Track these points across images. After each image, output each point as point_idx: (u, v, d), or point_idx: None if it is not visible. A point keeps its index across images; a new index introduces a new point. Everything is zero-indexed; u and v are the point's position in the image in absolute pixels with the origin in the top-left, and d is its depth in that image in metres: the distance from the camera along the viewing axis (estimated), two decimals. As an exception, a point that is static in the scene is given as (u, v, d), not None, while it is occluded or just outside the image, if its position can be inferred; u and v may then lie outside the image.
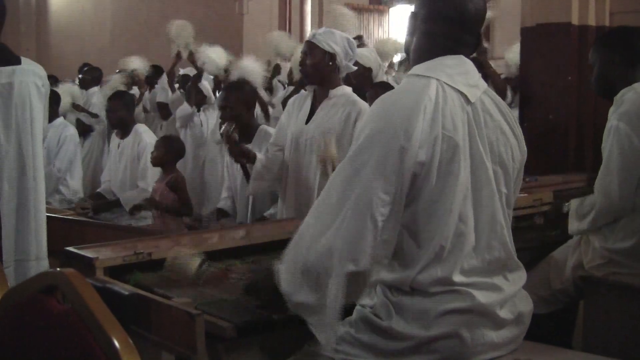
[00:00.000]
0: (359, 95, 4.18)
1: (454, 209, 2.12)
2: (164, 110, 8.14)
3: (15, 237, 3.57)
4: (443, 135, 2.11)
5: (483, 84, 2.30)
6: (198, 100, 7.55)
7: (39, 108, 3.72)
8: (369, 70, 5.45)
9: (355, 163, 2.11)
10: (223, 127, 4.03)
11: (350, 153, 2.15)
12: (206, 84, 7.86)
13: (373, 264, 2.10)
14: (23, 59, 3.72)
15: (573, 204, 3.45)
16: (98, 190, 5.99)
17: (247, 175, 4.13)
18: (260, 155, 4.02)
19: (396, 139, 2.08)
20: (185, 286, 2.60)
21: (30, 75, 3.68)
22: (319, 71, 3.96)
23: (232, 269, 2.86)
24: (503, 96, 5.52)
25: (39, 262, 3.62)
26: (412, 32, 2.33)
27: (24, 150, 3.62)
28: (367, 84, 5.33)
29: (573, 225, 3.42)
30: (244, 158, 4.01)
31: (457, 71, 2.23)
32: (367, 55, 5.54)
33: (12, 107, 3.59)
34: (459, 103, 2.18)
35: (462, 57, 2.28)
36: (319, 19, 15.22)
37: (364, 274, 2.08)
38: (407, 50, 2.39)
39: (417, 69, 2.26)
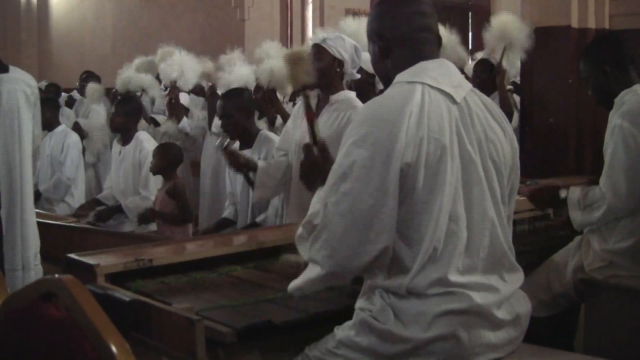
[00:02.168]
0: (363, 100, 4.18)
1: (444, 209, 2.14)
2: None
3: (4, 248, 3.57)
4: (429, 137, 2.13)
5: (467, 84, 2.33)
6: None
7: (27, 117, 3.69)
8: (373, 76, 5.42)
9: (342, 167, 2.14)
10: (218, 141, 4.03)
11: (338, 158, 2.19)
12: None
13: (371, 270, 2.18)
14: (12, 68, 3.70)
15: (573, 192, 3.43)
16: (97, 196, 5.99)
17: (250, 183, 4.13)
18: (261, 163, 4.01)
19: (381, 142, 2.11)
20: (192, 292, 2.61)
21: (18, 84, 3.66)
22: (325, 76, 3.96)
23: (233, 274, 2.87)
24: (509, 118, 5.50)
25: (26, 272, 3.61)
26: (378, 59, 2.40)
27: (11, 159, 3.61)
28: (370, 91, 5.30)
29: (576, 216, 3.40)
30: (244, 167, 4.00)
31: (440, 72, 2.27)
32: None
33: (0, 115, 3.58)
34: (445, 104, 2.21)
35: (442, 59, 2.33)
36: (320, 25, 15.23)
37: (350, 271, 2.19)
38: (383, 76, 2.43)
39: (401, 76, 2.29)
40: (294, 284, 2.26)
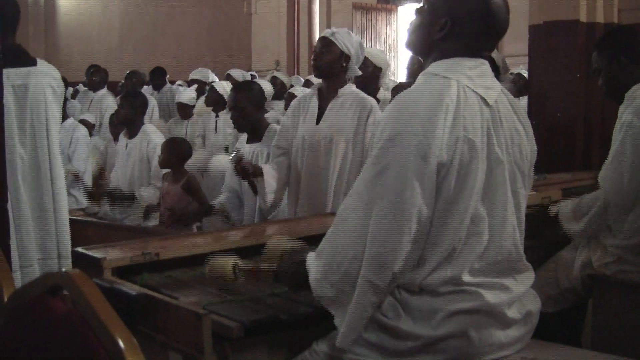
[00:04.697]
0: (367, 93, 4.20)
1: (469, 211, 2.12)
2: (183, 111, 8.11)
3: (37, 238, 3.61)
4: (464, 137, 2.10)
5: (498, 85, 2.28)
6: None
7: (55, 109, 3.74)
8: (379, 69, 5.42)
9: (378, 166, 2.10)
10: (234, 154, 4.05)
11: (372, 156, 2.15)
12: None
13: (406, 267, 2.11)
14: (39, 61, 3.75)
15: (564, 205, 3.42)
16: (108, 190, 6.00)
17: (254, 189, 4.14)
18: (267, 168, 4.02)
19: (418, 140, 2.06)
20: (199, 287, 2.60)
21: (45, 77, 3.71)
22: (332, 68, 4.04)
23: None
24: None
25: (63, 261, 3.67)
26: (431, 36, 2.28)
27: (40, 151, 3.65)
28: (374, 83, 5.30)
29: (573, 227, 3.38)
30: (251, 176, 3.99)
31: (476, 73, 2.22)
32: (378, 55, 5.51)
33: (27, 108, 3.62)
34: (478, 105, 2.17)
35: (480, 59, 2.26)
36: (327, 19, 15.23)
37: (393, 278, 2.09)
38: (422, 47, 2.35)
39: (436, 68, 2.24)
40: (342, 333, 2.14)
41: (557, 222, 3.53)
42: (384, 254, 2.06)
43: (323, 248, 2.20)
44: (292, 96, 7.04)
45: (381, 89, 5.39)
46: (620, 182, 3.21)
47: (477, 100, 2.18)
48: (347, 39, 4.04)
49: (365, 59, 5.11)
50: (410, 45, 2.38)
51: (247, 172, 3.90)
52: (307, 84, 8.78)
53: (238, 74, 8.90)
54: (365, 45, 4.27)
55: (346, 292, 2.11)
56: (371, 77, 5.28)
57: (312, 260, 2.23)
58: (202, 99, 7.91)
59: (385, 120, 2.19)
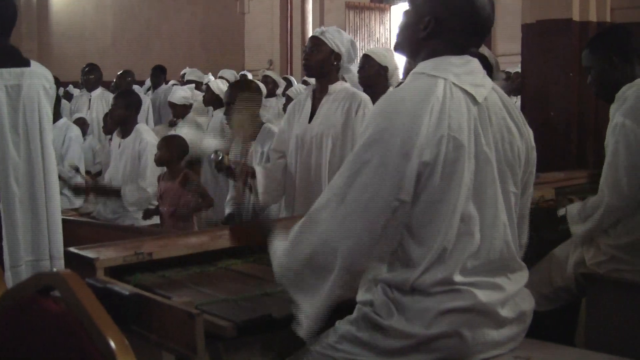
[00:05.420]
0: (373, 93, 4.20)
1: (457, 210, 2.11)
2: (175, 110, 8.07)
3: (29, 238, 3.61)
4: (448, 136, 2.09)
5: (489, 82, 2.28)
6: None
7: (48, 111, 3.74)
8: (385, 69, 5.39)
9: (359, 161, 2.11)
10: (212, 155, 4.02)
11: (354, 150, 2.16)
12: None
13: (372, 262, 2.13)
14: (32, 62, 3.74)
15: (571, 208, 3.42)
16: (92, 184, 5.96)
17: (250, 189, 4.13)
18: (259, 168, 4.02)
19: (400, 139, 2.06)
20: (192, 286, 2.60)
21: (39, 78, 3.71)
22: (323, 67, 4.05)
23: (233, 268, 2.86)
24: None
25: (55, 262, 3.66)
26: (416, 35, 2.29)
27: (33, 152, 3.65)
28: (381, 83, 5.28)
29: (578, 229, 3.38)
30: (241, 175, 3.98)
31: (464, 70, 2.22)
32: (384, 54, 5.49)
33: (20, 109, 3.62)
34: (465, 103, 2.16)
35: (467, 56, 2.26)
36: (320, 18, 15.24)
37: (360, 272, 2.13)
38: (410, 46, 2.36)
39: (424, 67, 2.24)
40: (304, 324, 2.16)
41: (552, 222, 3.54)
42: (356, 248, 2.08)
43: (293, 237, 2.21)
44: (290, 99, 7.09)
45: (391, 88, 5.37)
46: (619, 185, 3.20)
47: (464, 98, 2.17)
48: (337, 37, 4.04)
49: (370, 58, 5.12)
50: (399, 46, 2.40)
51: (233, 172, 3.90)
52: (305, 83, 8.78)
53: (230, 75, 8.89)
54: (358, 45, 4.27)
55: (310, 283, 2.14)
56: (376, 76, 5.25)
57: (279, 244, 2.28)
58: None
59: (370, 117, 2.20)
